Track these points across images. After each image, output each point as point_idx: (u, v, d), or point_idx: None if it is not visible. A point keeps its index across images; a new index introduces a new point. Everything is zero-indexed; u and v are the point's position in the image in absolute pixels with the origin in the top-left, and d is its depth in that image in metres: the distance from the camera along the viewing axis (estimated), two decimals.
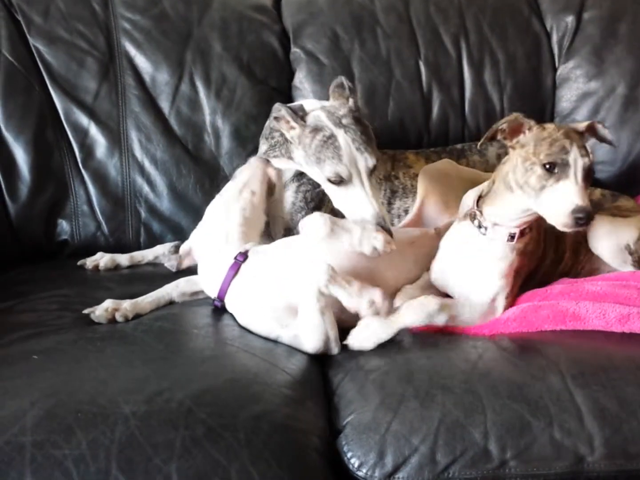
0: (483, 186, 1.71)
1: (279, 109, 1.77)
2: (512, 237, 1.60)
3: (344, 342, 1.56)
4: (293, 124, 1.77)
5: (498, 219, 1.60)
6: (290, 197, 1.94)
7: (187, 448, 1.21)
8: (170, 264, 1.93)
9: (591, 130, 1.59)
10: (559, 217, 1.46)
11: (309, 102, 1.91)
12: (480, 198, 1.64)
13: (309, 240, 1.68)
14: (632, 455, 1.27)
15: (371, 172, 1.72)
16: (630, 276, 1.66)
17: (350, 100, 1.78)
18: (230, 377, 1.39)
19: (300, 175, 1.94)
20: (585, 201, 1.44)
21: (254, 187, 1.86)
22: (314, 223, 1.66)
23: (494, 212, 1.61)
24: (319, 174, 1.76)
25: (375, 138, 1.78)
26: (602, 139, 1.61)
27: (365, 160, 1.71)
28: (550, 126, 1.54)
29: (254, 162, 1.91)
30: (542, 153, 1.48)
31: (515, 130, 1.56)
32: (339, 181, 1.72)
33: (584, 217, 1.43)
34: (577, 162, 1.47)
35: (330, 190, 1.76)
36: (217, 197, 1.89)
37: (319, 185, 1.90)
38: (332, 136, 1.71)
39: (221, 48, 2.27)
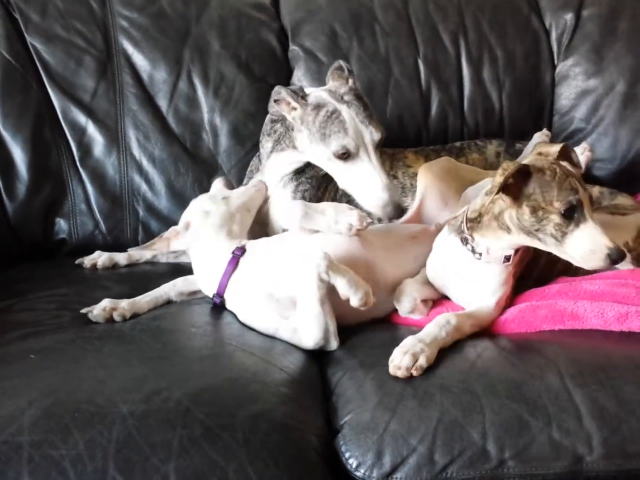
0: (483, 184, 1.71)
1: (278, 92, 1.79)
2: (507, 258, 1.59)
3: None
4: (294, 104, 1.78)
5: (491, 246, 1.58)
6: (288, 196, 1.94)
7: (184, 448, 1.20)
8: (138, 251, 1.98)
9: (564, 154, 1.56)
10: (594, 262, 1.44)
11: (307, 89, 1.90)
12: (467, 220, 1.60)
13: (288, 227, 1.69)
14: (631, 455, 1.26)
15: (377, 146, 1.74)
16: (628, 274, 1.65)
17: (350, 81, 1.80)
18: (228, 376, 1.39)
19: (298, 175, 1.94)
20: (613, 240, 1.43)
21: (254, 206, 1.90)
22: (290, 209, 1.68)
23: (486, 242, 1.58)
24: (324, 152, 1.77)
25: None
26: (571, 162, 1.59)
27: (371, 134, 1.73)
28: (543, 164, 1.48)
29: (260, 186, 1.95)
30: (555, 200, 1.43)
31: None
32: (346, 156, 1.73)
33: (619, 258, 1.43)
34: (585, 198, 1.45)
35: (336, 168, 1.77)
36: (219, 198, 1.88)
37: (317, 185, 1.90)
38: (335, 111, 1.74)
39: (219, 46, 2.27)
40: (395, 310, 1.71)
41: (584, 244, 1.44)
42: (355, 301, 1.53)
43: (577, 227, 1.44)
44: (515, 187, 1.46)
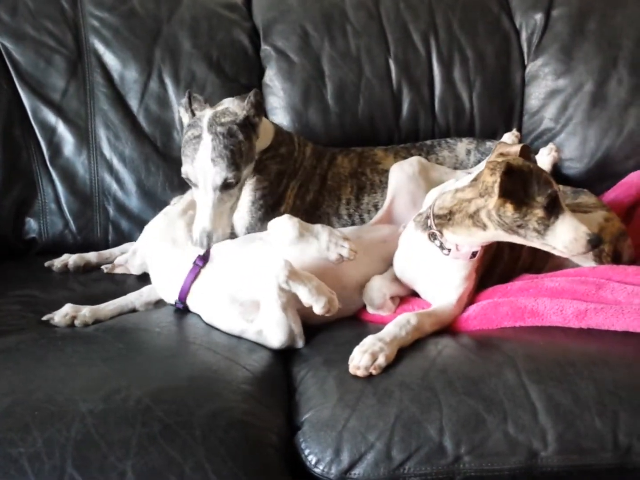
0: (447, 185, 1.72)
1: (184, 99, 1.86)
2: (474, 254, 1.61)
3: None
4: (185, 114, 1.85)
5: (461, 242, 1.60)
6: (248, 195, 1.94)
7: (142, 446, 1.21)
8: (105, 266, 1.98)
9: (523, 154, 1.58)
10: (577, 249, 1.49)
11: (229, 100, 1.92)
12: (434, 217, 1.61)
13: (277, 243, 1.69)
14: (586, 450, 1.28)
15: (222, 188, 1.75)
16: (589, 272, 1.67)
17: (243, 113, 1.80)
18: (189, 375, 1.40)
19: (255, 173, 1.94)
20: (587, 227, 1.49)
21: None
22: (283, 225, 1.67)
23: (456, 239, 1.60)
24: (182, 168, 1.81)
25: (249, 158, 1.81)
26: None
27: (214, 174, 1.74)
28: (518, 162, 1.50)
29: None
30: (537, 195, 1.47)
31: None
32: (193, 184, 1.77)
33: (598, 241, 1.49)
34: (558, 190, 1.49)
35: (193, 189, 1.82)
36: (161, 214, 1.92)
37: (277, 183, 1.91)
38: (199, 137, 1.76)
39: (191, 46, 2.26)
40: (364, 307, 1.72)
41: (566, 234, 1.48)
42: (317, 309, 1.53)
43: (557, 218, 1.48)
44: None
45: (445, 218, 1.59)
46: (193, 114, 1.82)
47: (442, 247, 1.61)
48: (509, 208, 1.48)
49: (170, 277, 1.73)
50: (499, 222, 1.50)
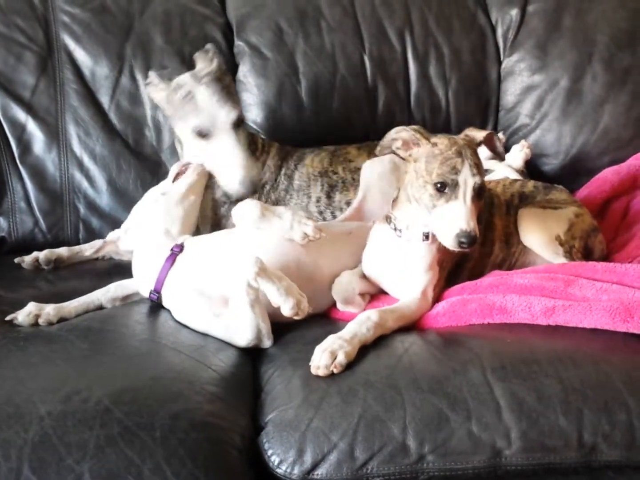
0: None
1: (149, 76, 1.92)
2: (426, 236, 1.62)
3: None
4: (161, 85, 1.89)
5: (409, 222, 1.62)
6: (209, 194, 1.94)
7: (100, 448, 1.20)
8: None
9: (489, 141, 1.60)
10: (445, 238, 1.50)
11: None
12: (392, 201, 1.65)
13: (241, 226, 1.69)
14: (549, 448, 1.28)
15: (236, 125, 1.84)
16: (559, 268, 1.66)
17: (215, 62, 1.89)
18: (152, 376, 1.38)
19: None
20: (471, 225, 1.47)
21: (197, 192, 1.89)
22: (245, 207, 1.68)
23: (402, 217, 1.63)
24: (186, 130, 1.87)
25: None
26: (494, 150, 1.65)
27: (227, 113, 1.83)
28: (443, 141, 1.53)
29: (198, 168, 1.91)
30: (434, 172, 1.50)
31: (412, 142, 1.57)
32: (205, 134, 1.84)
33: (467, 242, 1.47)
34: (467, 182, 1.49)
35: (200, 146, 1.87)
36: (158, 194, 1.89)
37: None
38: (191, 92, 1.84)
39: (163, 41, 2.24)
40: (334, 305, 1.71)
41: (443, 220, 1.50)
42: (286, 310, 1.51)
43: (447, 203, 1.50)
44: (411, 144, 1.57)
45: (396, 198, 1.64)
46: (170, 81, 1.89)
47: (395, 228, 1.64)
48: (413, 175, 1.54)
49: (151, 265, 1.71)
50: (412, 194, 1.56)
